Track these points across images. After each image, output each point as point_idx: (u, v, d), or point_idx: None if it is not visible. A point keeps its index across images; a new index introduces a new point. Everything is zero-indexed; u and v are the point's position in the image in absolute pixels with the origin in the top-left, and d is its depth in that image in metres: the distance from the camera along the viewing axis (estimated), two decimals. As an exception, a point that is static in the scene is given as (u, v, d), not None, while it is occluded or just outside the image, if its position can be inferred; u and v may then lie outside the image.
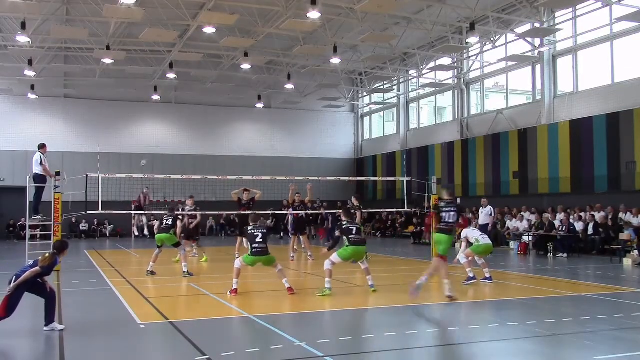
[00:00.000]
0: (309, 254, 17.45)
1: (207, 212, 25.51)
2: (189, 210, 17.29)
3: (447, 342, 7.47)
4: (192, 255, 17.62)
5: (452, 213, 10.31)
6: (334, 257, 10.64)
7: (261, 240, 10.54)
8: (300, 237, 18.12)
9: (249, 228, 10.73)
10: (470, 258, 12.26)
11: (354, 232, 10.76)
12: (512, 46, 24.43)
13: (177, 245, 13.66)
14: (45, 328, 7.71)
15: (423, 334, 7.81)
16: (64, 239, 9.54)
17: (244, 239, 16.03)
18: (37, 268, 7.67)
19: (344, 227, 10.90)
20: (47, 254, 7.89)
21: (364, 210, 19.56)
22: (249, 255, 10.63)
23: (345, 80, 33.46)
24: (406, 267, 15.62)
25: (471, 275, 12.05)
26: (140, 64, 28.20)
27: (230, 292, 10.56)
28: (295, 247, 18.01)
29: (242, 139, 34.35)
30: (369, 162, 35.22)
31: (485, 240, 12.45)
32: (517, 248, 20.45)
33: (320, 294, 10.45)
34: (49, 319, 7.77)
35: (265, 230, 10.77)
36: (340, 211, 12.27)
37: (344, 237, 10.81)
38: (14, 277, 7.63)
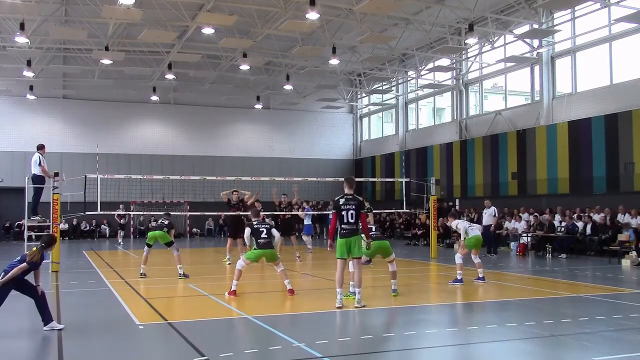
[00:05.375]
0: (297, 254, 17.56)
1: (206, 213, 25.52)
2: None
3: (446, 343, 7.47)
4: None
5: (351, 211, 9.34)
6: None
7: (266, 235, 10.68)
8: (290, 237, 18.04)
9: (254, 224, 10.87)
10: (464, 256, 12.31)
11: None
12: (511, 47, 24.44)
13: (169, 244, 13.52)
14: (45, 328, 7.69)
15: (422, 335, 7.80)
16: (53, 233, 9.44)
17: (237, 240, 16.12)
18: (25, 264, 7.60)
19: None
20: (35, 249, 7.83)
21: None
22: (254, 249, 10.69)
23: (344, 81, 33.47)
24: (404, 269, 15.59)
25: (459, 277, 12.06)
26: (139, 64, 28.20)
27: (228, 293, 10.57)
28: (280, 247, 17.87)
29: (240, 139, 34.33)
30: (368, 163, 35.22)
31: (474, 231, 12.47)
32: (516, 249, 20.46)
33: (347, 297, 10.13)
34: (46, 318, 7.73)
35: (269, 226, 10.92)
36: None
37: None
38: (3, 272, 7.60)
